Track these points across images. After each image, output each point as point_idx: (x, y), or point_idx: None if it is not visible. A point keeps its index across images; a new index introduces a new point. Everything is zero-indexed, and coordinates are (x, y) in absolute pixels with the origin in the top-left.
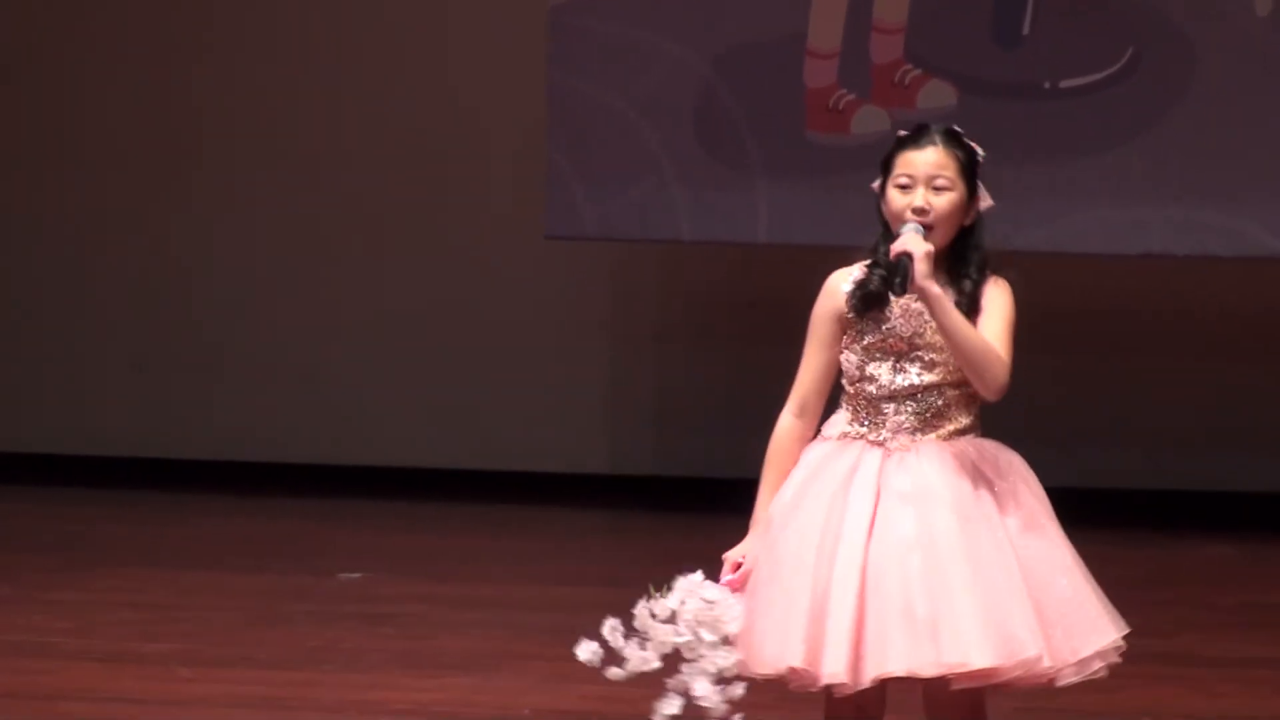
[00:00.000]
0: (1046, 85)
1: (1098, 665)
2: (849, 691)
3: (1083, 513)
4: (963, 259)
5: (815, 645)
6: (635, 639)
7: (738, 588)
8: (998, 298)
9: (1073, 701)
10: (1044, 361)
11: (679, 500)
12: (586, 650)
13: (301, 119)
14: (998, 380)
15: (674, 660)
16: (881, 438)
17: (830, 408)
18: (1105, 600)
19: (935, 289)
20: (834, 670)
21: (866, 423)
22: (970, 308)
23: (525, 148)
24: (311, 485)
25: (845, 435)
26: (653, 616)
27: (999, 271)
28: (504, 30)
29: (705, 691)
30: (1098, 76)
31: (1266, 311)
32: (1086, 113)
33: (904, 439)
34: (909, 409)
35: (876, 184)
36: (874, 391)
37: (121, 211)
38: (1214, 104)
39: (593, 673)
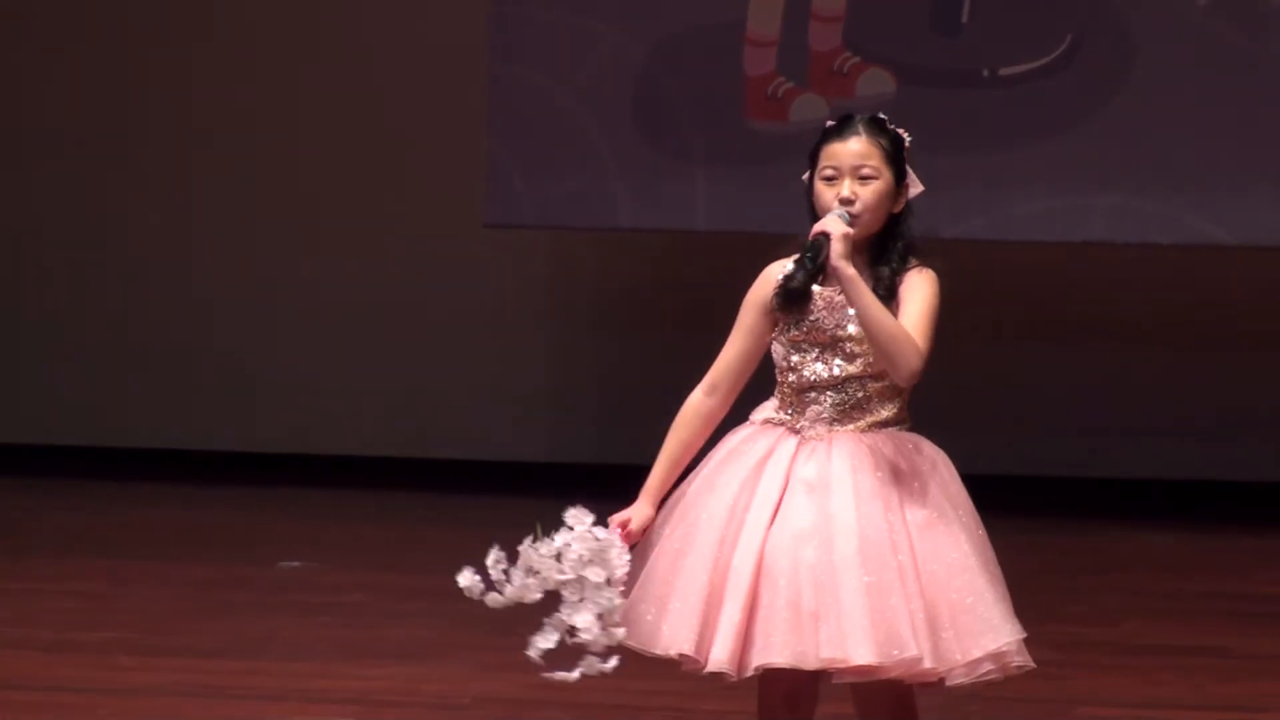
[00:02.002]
0: (986, 73)
1: (989, 667)
2: (732, 680)
3: (1023, 501)
4: (885, 247)
5: (706, 633)
6: (518, 572)
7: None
8: (920, 286)
9: (1013, 689)
10: (983, 350)
11: (620, 488)
12: (467, 578)
13: (240, 108)
14: (910, 366)
15: (553, 601)
16: (799, 426)
17: (754, 395)
18: (1006, 600)
19: (849, 270)
20: (718, 658)
21: (791, 411)
22: (887, 294)
23: (463, 136)
24: (250, 474)
25: (768, 421)
26: (539, 554)
27: (925, 260)
28: (443, 18)
29: (587, 624)
30: (1037, 64)
31: (1206, 300)
32: (1026, 101)
33: (820, 429)
34: (829, 400)
35: (805, 176)
36: (798, 382)
37: (61, 199)
38: (1154, 92)
39: (534, 662)
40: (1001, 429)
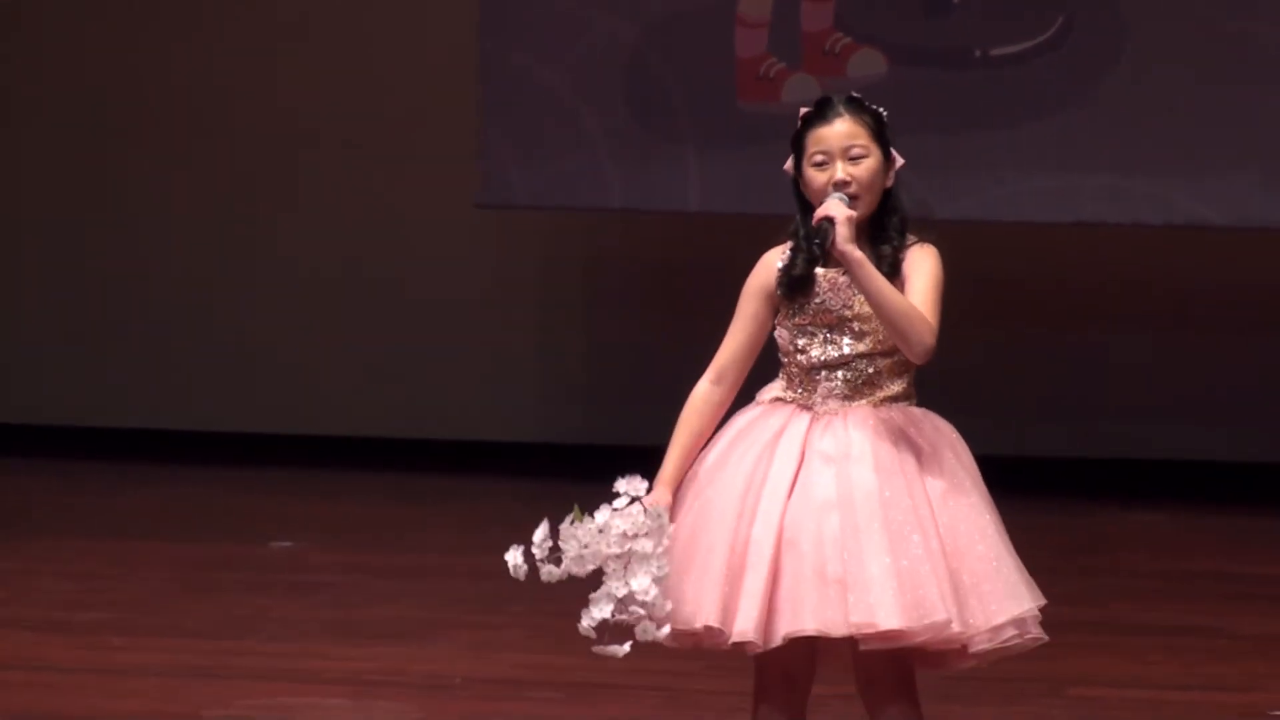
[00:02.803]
0: (977, 53)
1: (1011, 633)
2: (758, 650)
3: (1014, 481)
4: (882, 224)
5: (729, 604)
6: (570, 545)
7: None
8: (923, 261)
9: (1002, 670)
10: (975, 331)
11: (609, 469)
12: (515, 556)
13: (231, 86)
14: (923, 343)
15: (594, 579)
16: (811, 402)
17: (756, 380)
18: (1023, 570)
19: (857, 253)
20: (743, 628)
21: (800, 389)
22: (891, 271)
23: (456, 117)
24: (240, 454)
25: (777, 400)
26: (582, 533)
27: (923, 235)
28: None
29: (644, 587)
30: (1028, 45)
31: (1197, 281)
32: (1017, 81)
33: (834, 404)
34: (840, 377)
35: (788, 165)
36: (806, 362)
37: (49, 181)
38: (1145, 73)
39: (523, 641)
40: (993, 410)
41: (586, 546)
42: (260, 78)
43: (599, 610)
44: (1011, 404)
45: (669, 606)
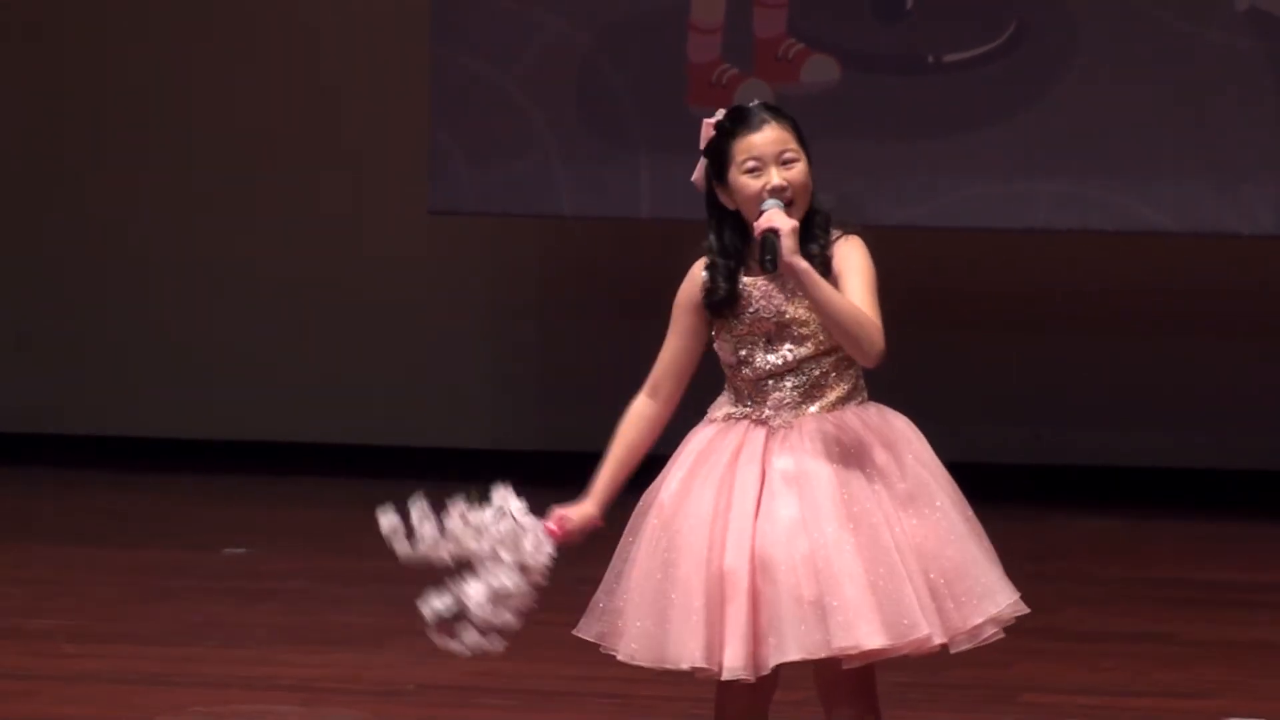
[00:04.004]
0: (930, 59)
1: (991, 631)
2: (751, 681)
3: (965, 487)
4: (807, 224)
5: (714, 641)
6: (430, 528)
7: (554, 535)
8: (851, 254)
9: (956, 676)
10: (925, 336)
11: (563, 475)
12: (389, 521)
13: (181, 91)
14: (875, 346)
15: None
16: (764, 415)
17: (705, 392)
18: (997, 563)
19: (803, 263)
20: (734, 665)
21: (749, 402)
22: (824, 269)
23: (408, 122)
24: (193, 460)
25: (730, 416)
26: (464, 521)
27: (845, 228)
28: (387, 4)
29: (478, 598)
30: (981, 51)
31: (1145, 287)
32: (970, 87)
33: (786, 415)
34: (788, 384)
35: (698, 176)
36: (751, 374)
37: (3, 183)
38: (1097, 78)
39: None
40: (946, 415)
41: (454, 535)
42: (217, 82)
43: (439, 601)
44: (962, 409)
45: (510, 621)
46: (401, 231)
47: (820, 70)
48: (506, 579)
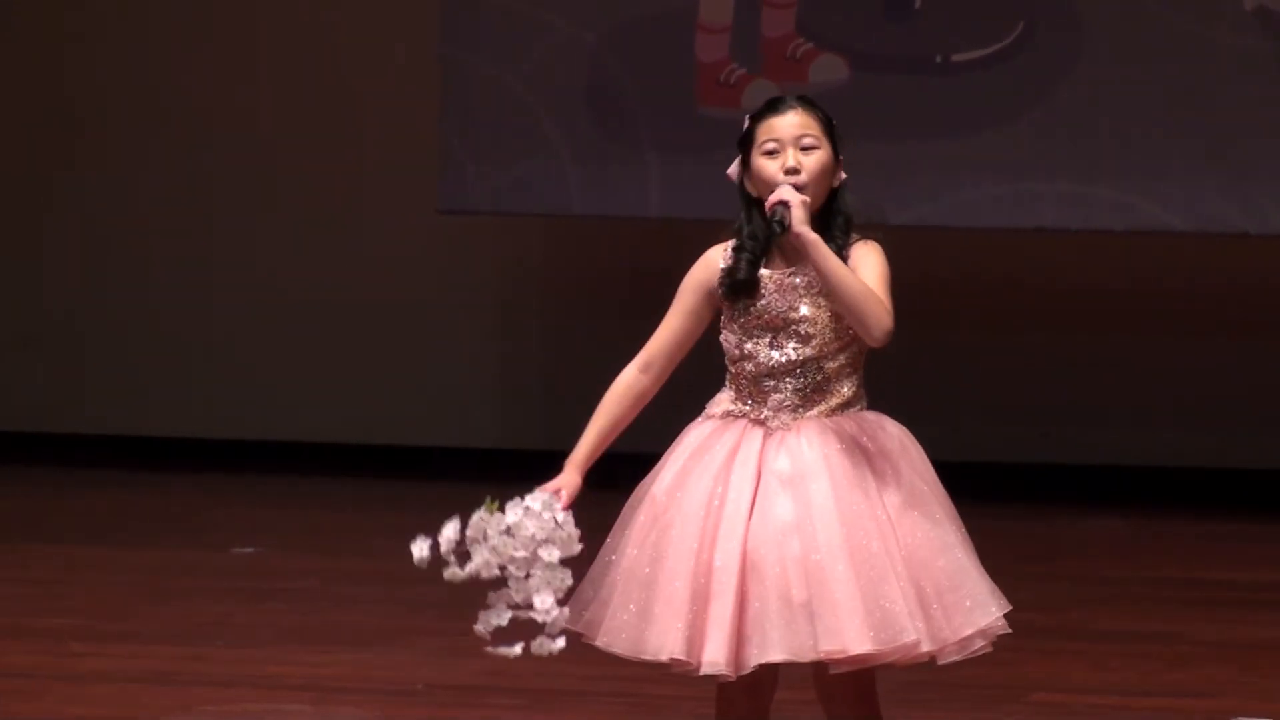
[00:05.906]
0: (938, 59)
1: (980, 643)
2: (730, 679)
3: (969, 488)
4: (827, 223)
5: (696, 635)
6: (479, 548)
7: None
8: (868, 256)
9: (964, 675)
10: (928, 335)
11: None
12: (420, 549)
13: (183, 90)
14: (882, 324)
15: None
16: (763, 416)
17: (704, 389)
18: (986, 577)
19: (812, 234)
20: (713, 660)
21: (749, 401)
22: None
23: (417, 122)
24: (201, 460)
25: (728, 414)
26: (499, 532)
27: (866, 234)
28: (396, 4)
29: (548, 605)
30: (989, 51)
31: (1153, 286)
32: (978, 87)
33: (785, 417)
34: (789, 386)
35: (733, 170)
36: (753, 369)
37: (6, 184)
38: (1104, 78)
39: (481, 638)
40: (953, 414)
41: (494, 548)
42: (220, 82)
43: (496, 618)
44: (966, 409)
45: (567, 615)
46: (408, 231)
47: (828, 70)
48: (558, 577)
